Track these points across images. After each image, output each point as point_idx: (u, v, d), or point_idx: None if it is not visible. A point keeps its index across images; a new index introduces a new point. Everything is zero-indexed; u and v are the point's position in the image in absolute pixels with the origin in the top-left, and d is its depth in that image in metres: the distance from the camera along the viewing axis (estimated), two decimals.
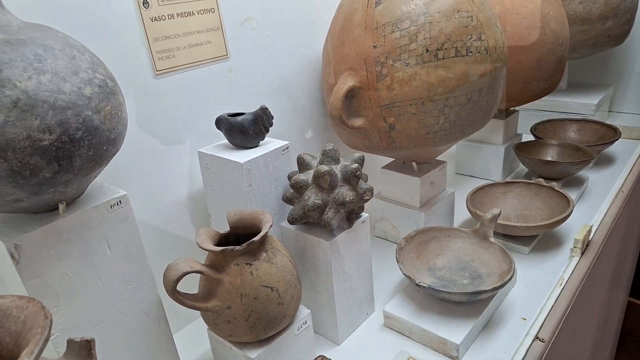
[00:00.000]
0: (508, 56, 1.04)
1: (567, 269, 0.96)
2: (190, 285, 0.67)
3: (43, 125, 0.47)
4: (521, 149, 1.27)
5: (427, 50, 0.79)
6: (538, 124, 1.45)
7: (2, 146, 0.45)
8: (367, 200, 0.77)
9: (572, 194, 1.17)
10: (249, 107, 0.83)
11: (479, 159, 1.34)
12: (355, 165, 0.74)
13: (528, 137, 1.40)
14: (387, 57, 0.81)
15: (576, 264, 0.97)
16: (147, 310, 0.65)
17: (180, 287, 0.64)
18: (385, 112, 0.84)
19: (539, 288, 0.91)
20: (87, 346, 0.41)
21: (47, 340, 0.35)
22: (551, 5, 1.11)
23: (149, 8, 0.76)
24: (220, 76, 0.87)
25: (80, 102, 0.49)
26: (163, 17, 0.77)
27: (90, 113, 0.50)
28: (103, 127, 0.52)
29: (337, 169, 0.74)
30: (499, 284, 0.79)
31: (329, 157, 0.75)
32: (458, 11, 0.80)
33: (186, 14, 0.80)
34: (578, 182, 1.23)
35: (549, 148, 1.30)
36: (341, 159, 0.77)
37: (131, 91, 0.76)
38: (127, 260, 0.61)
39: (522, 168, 1.36)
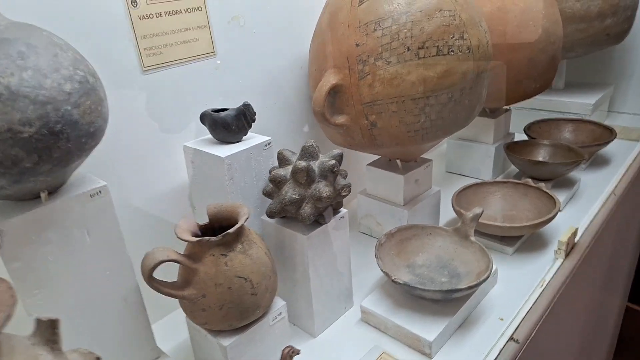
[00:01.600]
0: (499, 55, 1.05)
1: (550, 271, 0.96)
2: (172, 274, 0.70)
3: (24, 119, 0.50)
4: (512, 148, 1.28)
5: (409, 49, 0.81)
6: (532, 123, 1.45)
7: None
8: (345, 196, 0.80)
9: (562, 196, 1.17)
10: (237, 104, 0.85)
11: (469, 158, 1.35)
12: (333, 161, 0.76)
13: (522, 136, 1.41)
14: (369, 55, 0.82)
15: (559, 266, 0.97)
16: (124, 296, 0.68)
17: (163, 276, 0.67)
18: (367, 109, 0.86)
19: (519, 289, 0.92)
20: (52, 325, 0.44)
21: (9, 317, 0.38)
22: (544, 4, 1.11)
23: (138, 7, 0.78)
24: (208, 73, 0.90)
25: (60, 98, 0.52)
26: (151, 15, 0.80)
27: (69, 108, 0.53)
28: (82, 121, 0.55)
29: (315, 165, 0.76)
30: (474, 283, 0.80)
31: (308, 153, 0.77)
32: (440, 10, 0.82)
33: (174, 12, 0.83)
34: (569, 184, 1.24)
35: (541, 148, 1.31)
36: (320, 155, 0.79)
37: (119, 86, 0.79)
38: (106, 248, 0.64)
39: (513, 168, 1.37)
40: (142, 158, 0.84)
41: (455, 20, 0.82)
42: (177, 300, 0.69)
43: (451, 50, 0.82)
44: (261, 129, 0.89)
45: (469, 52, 0.84)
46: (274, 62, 1.01)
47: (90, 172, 0.69)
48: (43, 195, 0.59)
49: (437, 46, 0.81)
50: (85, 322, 0.64)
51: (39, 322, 0.44)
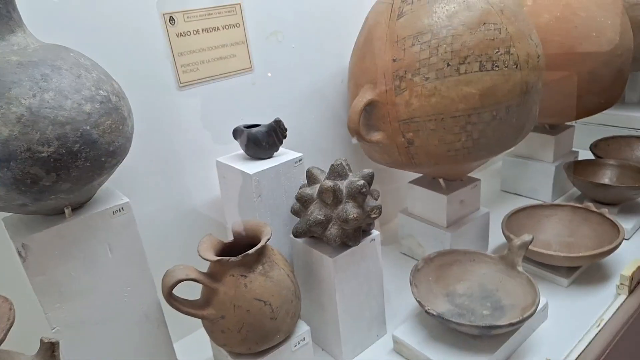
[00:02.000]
0: (556, 67, 0.97)
1: (610, 309, 0.86)
2: (198, 291, 0.70)
3: (42, 139, 0.51)
4: (574, 168, 1.17)
5: (448, 65, 0.76)
6: (600, 140, 1.32)
7: (5, 157, 0.50)
8: (375, 218, 0.76)
9: (628, 223, 1.06)
10: (273, 119, 0.84)
11: (526, 177, 1.25)
12: (362, 182, 0.73)
13: (588, 154, 1.29)
14: (406, 71, 0.78)
15: (621, 304, 0.87)
16: (146, 313, 0.68)
17: (189, 293, 0.67)
18: (403, 127, 0.81)
19: (573, 326, 0.83)
20: (51, 347, 0.44)
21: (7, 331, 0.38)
22: (609, 13, 1.01)
23: (175, 24, 0.79)
24: (244, 88, 0.90)
25: (80, 118, 0.53)
26: (188, 33, 0.81)
27: (88, 127, 0.54)
28: (102, 140, 0.56)
29: (342, 185, 0.73)
30: (516, 320, 0.73)
31: (336, 172, 0.74)
32: (484, 23, 0.76)
33: (211, 29, 0.83)
34: (637, 210, 1.11)
35: (607, 169, 1.19)
36: (350, 174, 0.76)
37: (155, 102, 0.80)
38: (128, 264, 0.65)
39: (576, 190, 1.25)
40: (176, 172, 0.85)
41: (500, 33, 0.76)
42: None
43: (495, 66, 0.76)
44: (297, 144, 0.87)
45: (516, 67, 0.77)
46: (313, 76, 1.00)
47: (123, 185, 0.70)
48: (67, 211, 0.60)
49: (480, 61, 0.76)
50: (107, 337, 0.65)
51: (42, 342, 0.45)
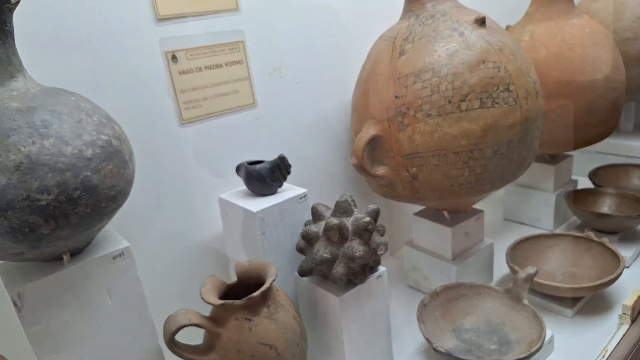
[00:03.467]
0: (555, 101, 0.97)
1: (614, 339, 0.86)
2: (197, 334, 0.67)
3: (42, 187, 0.50)
4: (574, 197, 1.17)
5: (450, 102, 0.76)
6: (598, 168, 1.33)
7: (3, 206, 0.48)
8: (381, 255, 0.74)
9: (629, 252, 1.06)
10: (276, 154, 0.84)
11: (528, 206, 1.25)
12: (367, 219, 0.72)
13: (586, 182, 1.29)
14: (408, 107, 0.78)
15: (624, 334, 0.86)
16: (147, 358, 0.66)
17: (187, 337, 0.65)
18: (407, 162, 0.81)
19: (579, 357, 0.82)
20: None
21: None
22: (602, 49, 1.02)
23: (178, 62, 0.79)
24: (248, 124, 0.90)
25: (80, 164, 0.52)
26: (191, 70, 0.81)
27: (89, 173, 0.53)
28: (102, 185, 0.54)
29: (348, 222, 0.72)
30: (524, 355, 0.72)
31: (341, 209, 0.73)
32: (484, 62, 0.77)
33: (214, 66, 0.83)
34: (637, 238, 1.11)
35: (606, 197, 1.19)
36: (355, 210, 0.75)
37: (157, 139, 0.79)
38: (128, 310, 0.63)
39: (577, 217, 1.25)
40: (177, 209, 0.84)
41: (500, 72, 0.77)
42: None
43: (495, 103, 0.76)
44: (301, 179, 0.86)
45: (516, 104, 0.78)
46: (317, 111, 1.00)
47: (122, 224, 0.68)
48: (65, 257, 0.58)
49: (481, 98, 0.76)
50: None
51: None
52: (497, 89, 0.76)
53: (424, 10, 0.84)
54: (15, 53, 0.55)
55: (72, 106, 0.55)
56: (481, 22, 0.79)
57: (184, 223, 0.85)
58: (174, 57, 0.79)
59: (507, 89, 0.77)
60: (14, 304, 0.55)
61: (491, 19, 0.83)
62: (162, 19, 0.77)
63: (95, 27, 0.71)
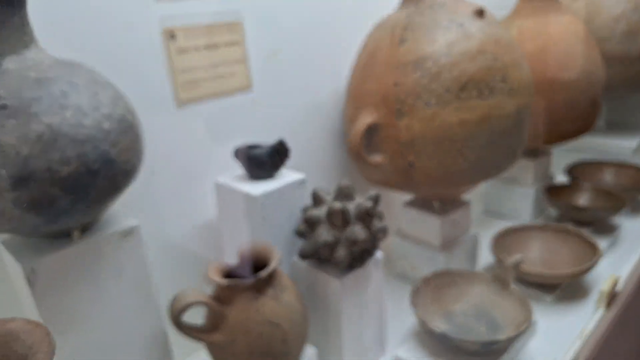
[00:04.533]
0: (537, 94, 1.02)
1: (590, 322, 0.91)
2: (197, 314, 0.68)
3: (63, 158, 0.49)
4: (552, 191, 1.23)
5: (448, 91, 0.79)
6: (573, 165, 1.40)
7: (25, 177, 0.47)
8: (381, 240, 0.77)
9: (603, 242, 1.12)
10: (271, 138, 0.84)
11: (508, 200, 1.30)
12: (370, 203, 0.74)
13: (563, 178, 1.36)
14: (407, 95, 0.81)
15: (600, 317, 0.92)
16: (151, 338, 0.66)
17: (188, 316, 0.65)
18: (404, 149, 0.83)
19: (560, 340, 0.87)
20: None
21: None
22: (585, 46, 1.08)
23: (176, 40, 0.79)
24: (244, 107, 0.89)
25: (99, 136, 0.52)
26: (189, 49, 0.80)
27: (107, 147, 0.52)
28: (119, 159, 0.54)
29: (351, 207, 0.74)
30: (514, 334, 0.76)
31: (343, 193, 0.75)
32: (482, 53, 0.80)
33: (212, 47, 0.83)
34: (611, 229, 1.18)
35: (582, 192, 1.26)
36: (356, 195, 0.77)
37: (153, 120, 0.78)
38: (135, 288, 0.63)
39: (554, 210, 1.31)
40: (171, 193, 0.83)
41: (497, 63, 0.80)
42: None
43: (492, 93, 0.80)
44: (293, 163, 0.87)
45: (510, 95, 0.81)
46: (312, 95, 1.00)
47: (116, 207, 0.68)
48: (76, 233, 0.57)
49: (478, 88, 0.79)
50: None
51: None
52: (494, 79, 0.80)
53: (422, 1, 0.87)
54: (28, 23, 0.54)
55: (87, 78, 0.54)
56: (480, 13, 0.82)
57: (177, 206, 0.85)
58: (172, 35, 0.78)
59: (503, 80, 0.80)
60: (27, 279, 0.54)
61: (488, 11, 0.87)
62: None
63: (94, 1, 0.70)
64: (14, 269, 0.58)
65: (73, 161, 0.50)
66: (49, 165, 0.48)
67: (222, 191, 0.84)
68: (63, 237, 0.58)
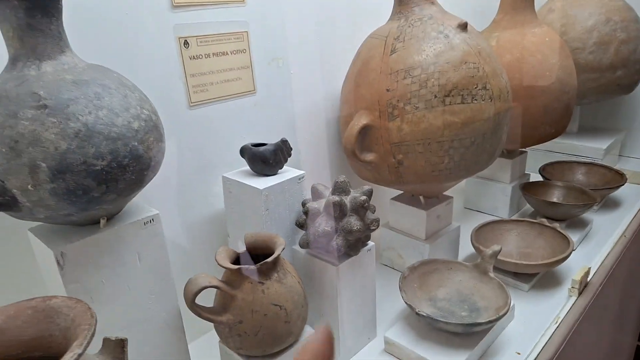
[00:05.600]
0: (516, 101, 1.11)
1: (564, 308, 1.00)
2: (205, 298, 0.74)
3: (97, 153, 0.55)
4: (527, 188, 1.32)
5: (435, 96, 0.87)
6: (547, 165, 1.50)
7: (62, 169, 0.53)
8: (374, 230, 0.84)
9: (575, 236, 1.21)
10: (272, 138, 0.91)
11: (487, 196, 1.39)
12: (364, 197, 0.81)
13: (537, 177, 1.46)
14: (398, 100, 0.88)
15: (572, 304, 1.01)
16: (167, 319, 0.72)
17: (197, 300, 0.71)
18: (394, 149, 0.91)
19: (535, 324, 0.95)
20: (121, 344, 0.48)
21: (93, 335, 0.42)
22: (559, 56, 1.18)
23: (189, 48, 0.85)
24: (247, 109, 0.96)
25: (129, 134, 0.58)
26: (200, 56, 0.87)
27: (136, 143, 0.59)
28: (145, 155, 0.60)
29: (347, 200, 0.81)
30: (494, 317, 0.84)
31: (340, 188, 0.82)
32: (465, 62, 0.88)
33: (221, 54, 0.89)
34: (582, 224, 1.28)
35: (555, 189, 1.35)
36: (351, 190, 0.84)
37: (167, 120, 0.84)
38: (154, 273, 0.69)
39: (529, 206, 1.41)
40: (182, 188, 0.90)
41: (479, 72, 0.88)
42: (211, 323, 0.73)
43: (475, 99, 0.88)
44: (291, 162, 0.94)
45: (491, 100, 0.89)
46: (309, 99, 1.08)
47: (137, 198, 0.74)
48: (102, 221, 0.63)
49: (462, 95, 0.87)
50: (130, 342, 0.68)
51: (106, 341, 0.49)
52: (476, 87, 0.88)
53: (412, 14, 0.95)
54: (63, 30, 0.60)
55: (117, 82, 0.61)
56: (463, 27, 0.90)
57: (187, 199, 0.91)
58: (185, 43, 0.85)
59: (484, 87, 0.88)
60: (57, 262, 0.59)
61: (470, 24, 0.95)
62: (176, 6, 0.82)
63: (115, 11, 0.76)
64: (42, 254, 0.63)
65: (106, 156, 0.56)
66: (85, 160, 0.54)
67: (228, 185, 0.90)
68: (90, 224, 0.64)
